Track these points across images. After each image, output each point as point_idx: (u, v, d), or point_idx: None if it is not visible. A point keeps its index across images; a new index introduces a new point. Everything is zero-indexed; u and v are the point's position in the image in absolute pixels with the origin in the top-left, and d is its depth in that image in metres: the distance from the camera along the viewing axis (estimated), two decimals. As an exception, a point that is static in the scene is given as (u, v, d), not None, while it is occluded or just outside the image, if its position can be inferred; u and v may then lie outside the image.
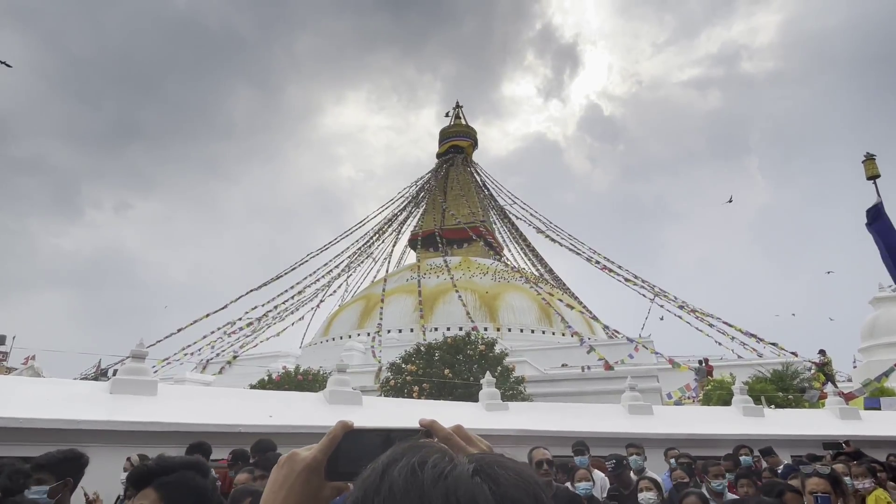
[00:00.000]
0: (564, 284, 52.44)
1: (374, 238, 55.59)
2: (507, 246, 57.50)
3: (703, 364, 24.76)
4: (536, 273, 53.41)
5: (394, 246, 57.71)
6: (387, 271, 52.21)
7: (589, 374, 24.39)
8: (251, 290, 44.46)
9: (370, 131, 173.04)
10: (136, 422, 7.68)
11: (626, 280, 40.81)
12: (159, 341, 37.57)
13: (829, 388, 19.10)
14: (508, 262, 51.56)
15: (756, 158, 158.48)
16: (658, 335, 33.46)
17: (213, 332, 39.46)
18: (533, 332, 39.94)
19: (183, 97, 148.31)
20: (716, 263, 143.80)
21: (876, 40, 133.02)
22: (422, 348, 20.34)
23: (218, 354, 38.15)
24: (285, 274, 47.45)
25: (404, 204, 59.63)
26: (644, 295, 38.64)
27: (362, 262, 54.28)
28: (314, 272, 48.90)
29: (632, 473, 6.99)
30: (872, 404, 15.74)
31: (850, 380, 26.23)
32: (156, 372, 26.14)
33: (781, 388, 20.21)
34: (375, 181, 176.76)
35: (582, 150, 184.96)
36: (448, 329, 32.88)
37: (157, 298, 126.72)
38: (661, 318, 35.87)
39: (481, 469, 0.61)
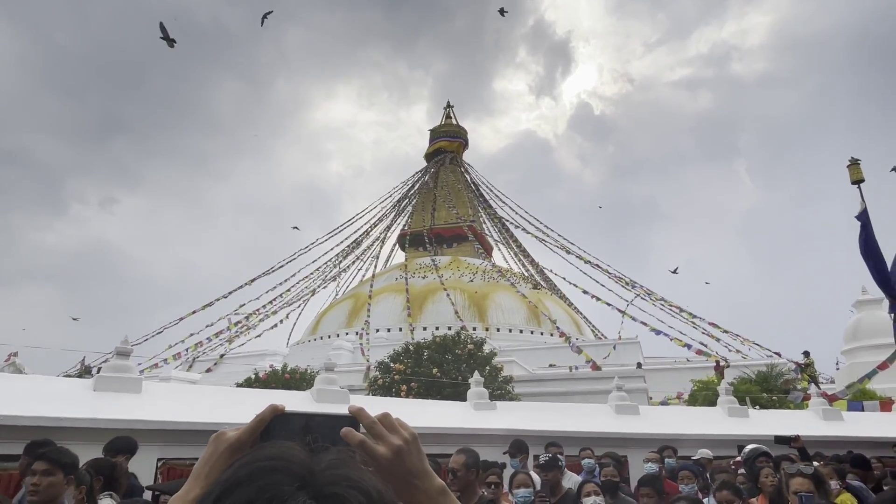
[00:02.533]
0: (554, 285, 52.58)
1: (363, 237, 55.45)
2: (496, 245, 57.62)
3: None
4: (526, 273, 53.50)
5: (382, 245, 57.62)
6: (374, 270, 52.06)
7: (576, 375, 24.52)
8: (234, 290, 44.13)
9: (360, 127, 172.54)
10: (119, 419, 7.59)
11: (618, 279, 40.93)
12: (145, 339, 37.32)
13: (812, 389, 19.33)
14: (497, 264, 51.61)
15: (745, 160, 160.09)
16: (643, 336, 33.58)
17: (200, 332, 39.16)
18: (521, 332, 40.05)
19: (169, 91, 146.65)
20: (703, 265, 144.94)
21: (866, 43, 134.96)
22: (410, 347, 20.33)
23: (204, 352, 37.84)
24: (273, 271, 47.20)
25: (393, 203, 59.54)
26: (626, 299, 38.54)
27: (352, 263, 54.14)
28: (301, 269, 48.70)
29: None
30: (855, 407, 15.93)
31: (832, 381, 26.56)
32: (141, 372, 25.89)
33: (766, 390, 20.44)
34: (365, 177, 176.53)
35: (572, 149, 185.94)
36: (437, 328, 32.88)
37: (142, 295, 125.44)
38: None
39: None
